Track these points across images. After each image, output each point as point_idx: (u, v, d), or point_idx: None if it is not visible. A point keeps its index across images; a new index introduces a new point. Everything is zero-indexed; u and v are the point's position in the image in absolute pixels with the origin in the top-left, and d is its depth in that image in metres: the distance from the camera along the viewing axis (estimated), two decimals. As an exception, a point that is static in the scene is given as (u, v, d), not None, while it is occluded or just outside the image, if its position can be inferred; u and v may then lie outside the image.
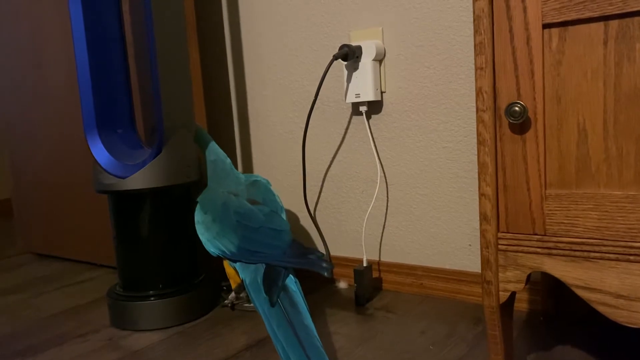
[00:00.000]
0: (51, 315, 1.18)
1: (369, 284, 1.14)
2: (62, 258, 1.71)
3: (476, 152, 1.04)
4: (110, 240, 1.45)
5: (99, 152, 1.07)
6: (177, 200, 1.09)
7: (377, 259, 1.21)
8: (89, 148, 1.07)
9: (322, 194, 1.28)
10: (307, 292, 1.20)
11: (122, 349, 0.98)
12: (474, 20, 0.66)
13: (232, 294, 1.14)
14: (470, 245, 1.08)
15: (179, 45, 1.04)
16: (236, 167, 1.42)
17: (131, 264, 1.08)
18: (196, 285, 1.11)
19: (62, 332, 1.08)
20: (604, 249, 0.61)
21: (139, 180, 1.01)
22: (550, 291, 0.99)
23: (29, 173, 1.73)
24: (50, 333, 1.08)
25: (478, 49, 0.66)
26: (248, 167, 1.41)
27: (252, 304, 1.13)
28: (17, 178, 1.79)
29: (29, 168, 1.73)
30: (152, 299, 1.06)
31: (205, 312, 1.12)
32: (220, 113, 1.44)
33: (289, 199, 1.34)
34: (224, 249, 0.92)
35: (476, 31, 0.66)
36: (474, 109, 1.04)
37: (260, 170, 1.38)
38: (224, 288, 1.23)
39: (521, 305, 1.02)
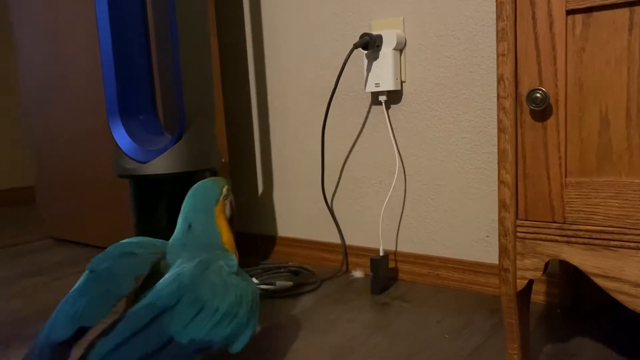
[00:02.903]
0: (72, 298, 1.20)
1: (385, 274, 1.14)
2: (82, 243, 1.74)
3: (495, 144, 1.04)
4: (128, 226, 1.47)
5: (121, 137, 1.08)
6: (197, 186, 1.10)
7: (394, 249, 1.21)
8: (111, 133, 1.09)
9: (339, 183, 1.29)
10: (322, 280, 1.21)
11: (141, 330, 0.99)
12: (496, 7, 0.66)
13: (253, 279, 1.15)
14: (487, 236, 1.08)
15: (200, 34, 1.05)
16: (253, 160, 1.44)
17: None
18: (214, 271, 1.12)
19: (83, 313, 1.10)
20: (624, 237, 0.61)
21: (159, 166, 1.03)
22: (568, 283, 0.98)
23: (51, 161, 1.77)
24: (71, 314, 1.10)
25: (500, 35, 0.66)
26: (266, 157, 1.42)
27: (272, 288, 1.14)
28: (39, 166, 1.83)
29: (51, 156, 1.76)
30: (170, 283, 1.07)
31: (222, 297, 1.13)
32: (239, 103, 1.45)
33: (307, 188, 1.35)
34: None
35: (498, 17, 0.66)
36: (495, 100, 1.03)
37: (278, 160, 1.39)
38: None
39: (538, 297, 1.02)
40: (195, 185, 0.85)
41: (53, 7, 1.61)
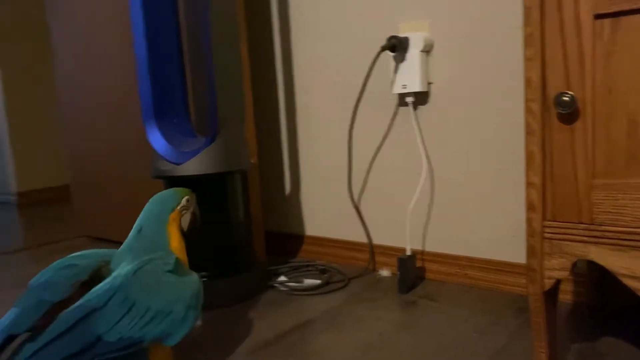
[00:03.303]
0: (109, 294, 1.25)
1: (413, 273, 1.16)
2: (115, 241, 1.79)
3: (522, 144, 1.04)
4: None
5: (156, 140, 1.12)
6: (229, 187, 1.13)
7: (421, 248, 1.22)
8: (146, 136, 1.13)
9: (366, 183, 1.31)
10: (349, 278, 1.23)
11: (176, 326, 1.03)
12: (524, 12, 0.67)
13: (282, 277, 1.18)
14: (515, 236, 1.08)
15: (232, 39, 1.09)
16: (281, 160, 1.47)
17: (186, 247, 1.13)
18: (246, 269, 1.15)
19: (120, 309, 1.14)
20: (652, 238, 0.62)
21: (193, 167, 1.06)
22: (596, 283, 0.99)
23: (86, 161, 1.82)
24: (109, 309, 1.14)
25: (528, 40, 0.67)
26: (294, 158, 1.44)
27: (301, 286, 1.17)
28: (76, 166, 1.89)
29: (86, 156, 1.82)
30: (205, 280, 1.11)
31: (254, 293, 1.16)
32: (267, 104, 1.48)
33: (333, 188, 1.37)
34: None
35: (526, 22, 0.67)
36: (522, 101, 1.04)
37: (305, 160, 1.42)
38: (272, 271, 1.27)
39: (566, 296, 1.02)
40: (156, 194, 0.89)
41: (89, 9, 1.66)
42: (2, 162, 2.96)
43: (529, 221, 0.70)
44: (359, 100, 1.20)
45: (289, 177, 1.48)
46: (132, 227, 0.87)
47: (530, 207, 0.70)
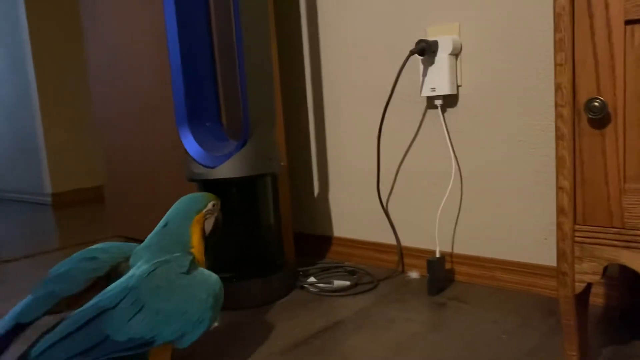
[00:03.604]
0: (144, 293, 1.29)
1: (442, 275, 1.16)
2: (149, 242, 1.84)
3: (553, 147, 1.05)
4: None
5: (190, 144, 1.15)
6: (260, 189, 1.16)
7: (450, 250, 1.23)
8: (180, 140, 1.16)
9: (395, 186, 1.32)
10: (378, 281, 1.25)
11: (210, 325, 1.06)
12: (554, 18, 0.68)
13: (311, 278, 1.20)
14: (545, 239, 1.09)
15: (263, 45, 1.11)
16: (310, 162, 1.49)
17: (217, 247, 1.16)
18: (277, 269, 1.18)
19: (155, 308, 1.18)
20: (684, 243, 0.62)
21: (225, 170, 1.09)
22: (627, 286, 0.98)
23: (120, 163, 1.88)
24: (144, 308, 1.18)
25: (558, 45, 0.68)
26: (322, 160, 1.46)
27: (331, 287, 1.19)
28: (110, 167, 1.94)
29: (120, 158, 1.87)
30: (236, 280, 1.14)
31: (284, 294, 1.19)
32: (296, 107, 1.51)
33: (362, 190, 1.38)
34: None
35: (556, 28, 0.68)
36: (552, 104, 1.04)
37: (334, 162, 1.44)
38: (301, 272, 1.30)
39: (597, 300, 1.02)
40: (186, 196, 0.94)
41: (123, 16, 1.71)
42: (37, 164, 3.06)
43: (559, 225, 0.71)
44: (387, 103, 1.22)
45: (317, 179, 1.50)
46: None
47: (560, 211, 0.71)
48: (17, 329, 0.75)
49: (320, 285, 1.22)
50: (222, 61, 1.29)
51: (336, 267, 1.36)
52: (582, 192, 0.69)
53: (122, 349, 0.72)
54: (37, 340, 0.72)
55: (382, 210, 1.34)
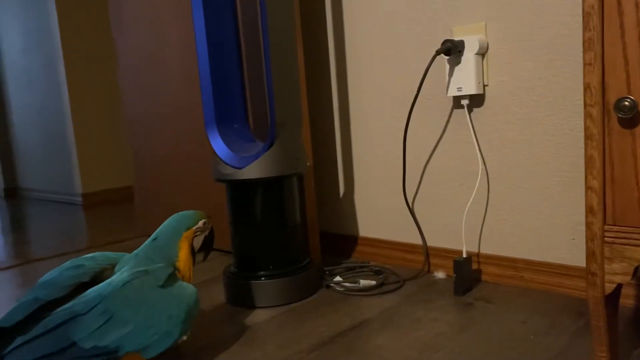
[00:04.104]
0: (173, 291, 1.31)
1: (469, 275, 1.16)
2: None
3: (580, 146, 1.04)
4: (221, 225, 1.58)
5: (218, 145, 1.17)
6: (286, 190, 1.17)
7: (477, 250, 1.23)
8: (209, 141, 1.19)
9: (420, 186, 1.32)
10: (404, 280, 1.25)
11: (238, 323, 1.08)
12: (583, 17, 0.67)
13: (338, 277, 1.21)
14: (574, 239, 1.08)
15: (290, 47, 1.12)
16: (335, 162, 1.50)
17: (245, 247, 1.18)
18: (303, 268, 1.19)
19: (184, 306, 1.20)
20: None
21: (253, 171, 1.11)
22: (660, 288, 0.97)
23: (149, 163, 1.91)
24: (174, 306, 1.20)
25: (587, 44, 0.68)
26: (348, 160, 1.47)
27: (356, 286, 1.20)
28: (139, 168, 1.98)
29: (149, 159, 1.91)
30: (263, 279, 1.15)
31: (310, 293, 1.20)
32: (322, 108, 1.52)
33: (388, 190, 1.39)
34: None
35: (585, 27, 0.67)
36: (579, 103, 1.03)
37: (359, 162, 1.44)
38: (327, 272, 1.31)
39: (628, 301, 1.01)
40: (178, 213, 0.98)
41: (152, 20, 1.75)
42: (68, 165, 3.13)
43: (588, 225, 0.71)
44: (413, 103, 1.22)
45: (343, 179, 1.51)
46: None
47: (589, 211, 0.70)
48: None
49: (346, 284, 1.23)
50: (249, 63, 1.30)
51: (362, 267, 1.36)
52: (611, 192, 0.69)
53: (86, 356, 0.76)
54: (10, 340, 0.76)
55: (408, 210, 1.34)
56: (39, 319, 0.79)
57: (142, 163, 1.95)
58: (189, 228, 0.95)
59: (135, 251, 0.93)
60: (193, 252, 0.96)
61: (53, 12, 2.93)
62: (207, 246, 1.01)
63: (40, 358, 0.74)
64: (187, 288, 0.87)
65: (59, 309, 0.79)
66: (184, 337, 0.86)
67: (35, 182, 3.59)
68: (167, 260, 0.91)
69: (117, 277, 0.84)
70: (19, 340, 0.76)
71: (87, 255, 0.91)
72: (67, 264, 0.88)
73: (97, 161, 3.09)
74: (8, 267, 1.71)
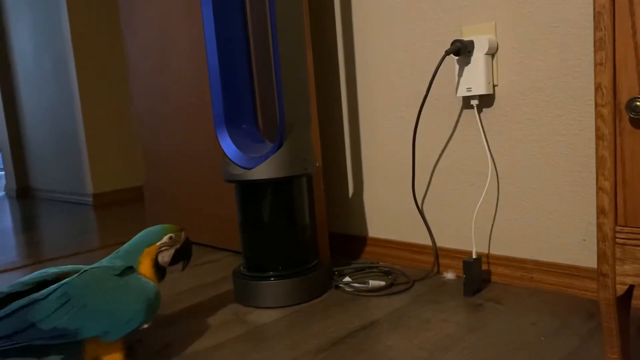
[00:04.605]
0: (183, 292, 1.32)
1: (478, 276, 1.16)
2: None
3: (591, 146, 1.03)
4: (229, 225, 1.58)
5: (227, 146, 1.18)
6: (296, 190, 1.17)
7: (486, 251, 1.22)
8: (218, 142, 1.19)
9: (430, 186, 1.32)
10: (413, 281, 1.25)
11: (247, 323, 1.08)
12: (594, 17, 0.67)
13: (347, 278, 1.21)
14: (584, 240, 1.07)
15: (299, 48, 1.12)
16: (344, 162, 1.50)
17: (254, 247, 1.19)
18: (312, 269, 1.19)
19: (194, 306, 1.21)
20: None
21: (262, 171, 1.11)
22: (672, 289, 0.96)
23: (158, 164, 1.92)
24: (184, 307, 1.21)
25: (598, 44, 0.67)
26: (357, 160, 1.47)
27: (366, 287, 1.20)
28: (149, 168, 1.99)
29: (158, 159, 1.92)
30: (272, 279, 1.15)
31: (319, 294, 1.20)
32: (331, 108, 1.52)
33: (397, 190, 1.39)
34: None
35: (596, 27, 0.67)
36: (590, 103, 1.02)
37: (368, 162, 1.44)
38: (336, 272, 1.31)
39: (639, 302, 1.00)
40: (147, 228, 1.00)
41: (162, 23, 1.76)
42: (79, 166, 3.15)
43: (599, 226, 0.70)
44: (423, 103, 1.22)
45: (352, 179, 1.51)
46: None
47: (601, 211, 0.70)
48: None
49: (356, 285, 1.22)
50: (258, 64, 1.31)
51: (371, 267, 1.36)
52: (623, 193, 0.68)
53: (47, 337, 0.80)
54: None
55: (417, 211, 1.34)
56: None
57: (152, 163, 1.96)
58: (151, 244, 0.95)
59: (99, 261, 0.96)
60: (158, 267, 0.96)
61: (64, 13, 2.96)
62: (183, 257, 1.01)
63: (1, 339, 0.79)
64: (146, 282, 0.90)
65: (22, 298, 0.84)
66: (145, 325, 0.88)
67: (46, 183, 3.62)
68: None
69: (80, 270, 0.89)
70: None
71: (60, 267, 0.95)
72: (41, 270, 0.92)
73: (108, 161, 3.11)
74: (20, 267, 1.72)
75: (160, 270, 0.96)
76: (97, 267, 0.89)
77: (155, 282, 0.94)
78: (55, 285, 0.85)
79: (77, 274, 0.86)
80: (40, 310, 0.81)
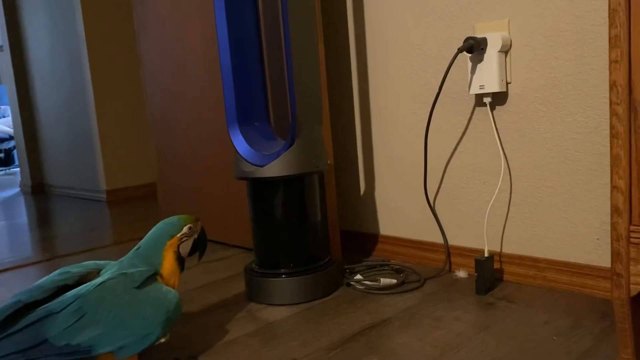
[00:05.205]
0: (196, 288, 1.33)
1: (490, 274, 1.15)
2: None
3: (606, 145, 1.02)
4: (242, 222, 1.59)
5: (239, 143, 1.18)
6: (307, 188, 1.17)
7: (499, 250, 1.22)
8: (230, 139, 1.20)
9: (442, 184, 1.31)
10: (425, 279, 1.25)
11: (259, 320, 1.09)
12: (609, 14, 0.66)
13: (358, 275, 1.21)
14: (598, 239, 1.06)
15: (311, 46, 1.13)
16: (356, 160, 1.50)
17: (266, 244, 1.19)
18: (323, 266, 1.19)
19: (207, 302, 1.22)
20: None
21: (274, 169, 1.11)
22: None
23: (171, 161, 1.94)
24: (197, 303, 1.22)
25: (613, 42, 0.67)
26: (368, 158, 1.47)
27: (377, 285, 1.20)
28: (162, 165, 2.01)
29: (171, 156, 1.93)
30: (283, 276, 1.16)
31: (331, 291, 1.20)
32: (342, 105, 1.52)
33: (408, 188, 1.38)
34: None
35: (611, 24, 0.66)
36: (605, 100, 1.01)
37: (380, 160, 1.44)
38: (347, 270, 1.31)
39: (654, 302, 0.99)
40: (162, 220, 0.97)
41: (176, 22, 1.76)
42: (93, 162, 3.18)
43: (614, 225, 0.70)
44: (435, 101, 1.21)
45: (363, 177, 1.51)
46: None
47: (615, 210, 0.69)
48: None
49: (367, 282, 1.23)
50: (271, 61, 1.31)
51: (382, 265, 1.36)
52: (637, 192, 0.68)
53: (59, 354, 0.77)
54: None
55: (429, 209, 1.33)
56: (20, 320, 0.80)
57: (165, 160, 1.97)
58: (172, 236, 0.94)
59: (120, 259, 0.93)
60: (180, 258, 0.95)
61: (78, 13, 2.98)
62: (200, 248, 1.00)
63: (14, 353, 0.76)
64: (167, 292, 0.86)
65: (39, 308, 0.81)
66: (162, 340, 0.85)
67: (60, 179, 3.65)
68: (151, 267, 0.90)
69: (96, 280, 0.85)
70: None
71: (76, 265, 0.92)
72: (56, 271, 0.90)
73: (121, 158, 3.13)
74: (35, 262, 1.74)
75: (181, 262, 0.95)
76: (115, 278, 0.84)
77: (178, 274, 0.94)
78: (72, 295, 0.81)
79: (93, 287, 0.82)
80: (54, 325, 0.78)
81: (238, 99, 1.20)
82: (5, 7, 3.66)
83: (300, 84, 1.10)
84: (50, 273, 0.90)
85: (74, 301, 0.80)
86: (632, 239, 0.68)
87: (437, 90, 1.21)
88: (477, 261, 1.13)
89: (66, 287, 0.86)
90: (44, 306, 0.80)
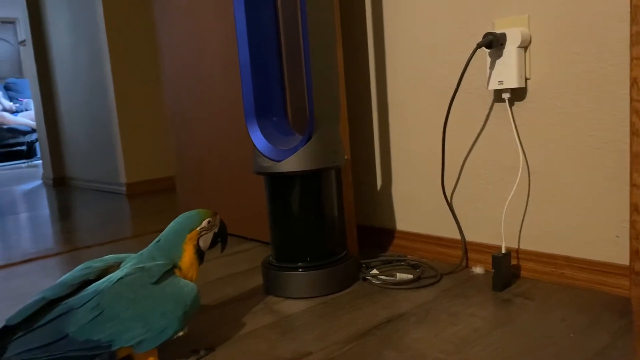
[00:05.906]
0: (213, 281, 1.35)
1: (507, 271, 1.15)
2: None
3: (626, 142, 1.01)
4: (259, 216, 1.60)
5: (257, 138, 1.19)
6: (324, 183, 1.18)
7: (516, 246, 1.21)
8: (248, 134, 1.21)
9: (459, 180, 1.31)
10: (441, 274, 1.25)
11: (276, 313, 1.10)
12: (631, 10, 0.66)
13: (374, 270, 1.22)
14: (617, 236, 1.05)
15: (329, 41, 1.13)
16: (372, 155, 1.50)
17: (283, 238, 1.20)
18: (340, 261, 1.20)
19: (224, 295, 1.23)
20: None
21: (291, 164, 1.12)
22: None
23: (190, 155, 1.96)
24: (214, 296, 1.23)
25: (635, 38, 0.66)
26: (385, 154, 1.47)
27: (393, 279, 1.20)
28: (180, 159, 2.03)
29: (190, 151, 1.95)
30: (300, 270, 1.17)
31: (347, 285, 1.21)
32: (360, 100, 1.52)
33: (426, 184, 1.38)
34: None
35: (633, 21, 0.66)
36: (625, 97, 1.00)
37: (397, 155, 1.44)
38: (364, 265, 1.31)
39: (673, 301, 0.98)
40: (182, 214, 0.98)
41: (194, 17, 1.78)
42: (113, 156, 3.23)
43: (632, 223, 0.69)
44: (453, 96, 1.21)
45: (380, 172, 1.51)
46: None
47: (634, 209, 0.69)
48: (6, 331, 0.81)
49: (383, 277, 1.23)
50: (289, 58, 1.32)
51: (399, 260, 1.37)
52: (657, 190, 0.67)
53: (80, 349, 0.79)
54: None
55: (446, 205, 1.33)
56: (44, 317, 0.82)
57: (184, 155, 2.00)
58: (192, 230, 0.95)
59: (140, 251, 0.94)
60: (200, 252, 0.96)
61: (99, 8, 3.02)
62: (221, 240, 1.01)
63: (36, 349, 0.78)
64: (185, 286, 0.88)
65: (60, 304, 0.82)
66: (180, 333, 0.87)
67: (81, 172, 3.71)
68: (170, 260, 0.92)
69: (116, 274, 0.87)
70: (20, 333, 0.79)
71: (98, 259, 0.94)
72: (79, 266, 0.91)
73: (141, 152, 3.17)
74: (57, 254, 1.78)
75: (201, 255, 0.97)
76: (133, 273, 0.86)
77: (196, 267, 0.95)
78: (92, 291, 0.83)
79: (111, 283, 0.84)
80: (74, 320, 0.80)
81: (256, 94, 1.21)
82: (28, 2, 3.72)
83: (318, 79, 1.11)
84: (71, 264, 0.92)
85: (93, 297, 0.82)
86: (651, 237, 0.68)
87: (455, 86, 1.20)
88: (494, 257, 1.13)
89: (88, 282, 0.88)
90: (64, 302, 0.83)
